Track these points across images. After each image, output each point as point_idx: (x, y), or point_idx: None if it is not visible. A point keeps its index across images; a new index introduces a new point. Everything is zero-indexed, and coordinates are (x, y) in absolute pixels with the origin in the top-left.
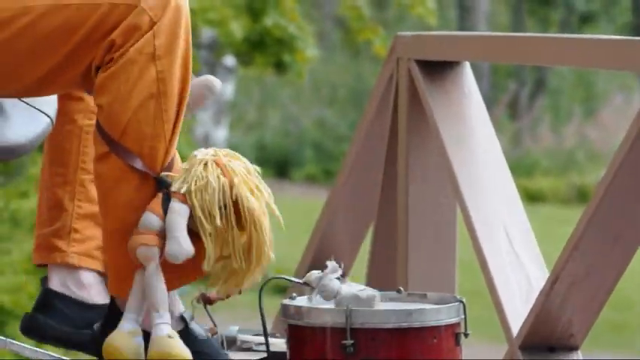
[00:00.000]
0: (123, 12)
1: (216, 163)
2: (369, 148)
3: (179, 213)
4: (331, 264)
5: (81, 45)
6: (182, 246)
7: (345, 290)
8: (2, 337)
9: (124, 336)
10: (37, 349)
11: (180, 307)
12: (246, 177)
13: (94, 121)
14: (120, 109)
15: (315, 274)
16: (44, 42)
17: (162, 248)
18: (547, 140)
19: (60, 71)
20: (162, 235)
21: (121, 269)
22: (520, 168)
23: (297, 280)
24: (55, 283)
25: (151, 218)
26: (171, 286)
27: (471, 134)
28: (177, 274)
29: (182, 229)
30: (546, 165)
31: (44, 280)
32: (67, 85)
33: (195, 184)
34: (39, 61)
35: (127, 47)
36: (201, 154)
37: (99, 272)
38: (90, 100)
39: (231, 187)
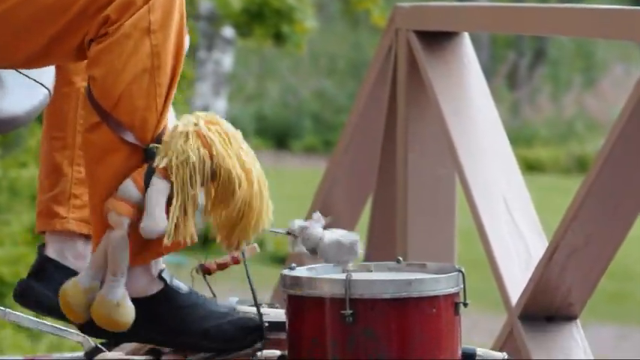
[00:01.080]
0: None
1: (197, 134)
2: (368, 119)
3: (158, 189)
4: (316, 214)
5: (76, 19)
6: (157, 223)
7: (328, 236)
8: (1, 308)
9: (80, 291)
10: (37, 319)
11: (160, 267)
12: (228, 144)
13: None
14: (113, 82)
15: (298, 222)
16: (39, 15)
17: (135, 220)
18: (546, 110)
19: (55, 44)
20: (138, 206)
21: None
22: (519, 138)
23: (280, 230)
24: (52, 251)
25: (131, 188)
26: (141, 260)
27: (470, 104)
28: (141, 249)
29: (159, 204)
30: (545, 135)
31: (41, 248)
32: (62, 58)
33: (177, 159)
34: (35, 33)
35: (122, 22)
36: (182, 124)
37: None
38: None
39: (212, 157)
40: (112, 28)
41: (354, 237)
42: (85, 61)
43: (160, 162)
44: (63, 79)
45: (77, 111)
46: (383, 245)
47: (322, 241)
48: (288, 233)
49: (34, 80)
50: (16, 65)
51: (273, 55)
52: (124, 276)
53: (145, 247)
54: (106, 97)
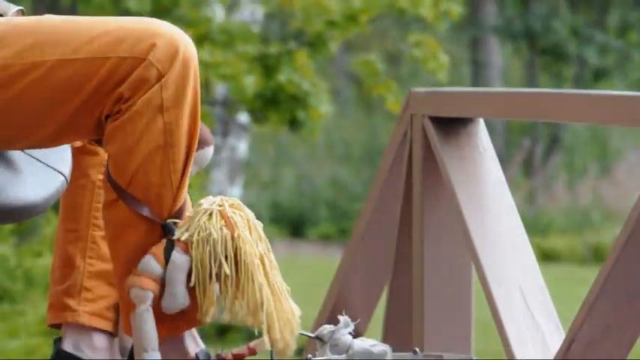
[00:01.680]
0: (131, 65)
1: (220, 215)
2: (383, 206)
3: (179, 265)
4: (343, 319)
5: (91, 97)
6: (178, 299)
7: (358, 345)
8: None
9: None
10: None
11: (197, 346)
12: (250, 231)
13: None
14: (127, 159)
15: (327, 328)
16: (53, 96)
17: (157, 294)
18: (562, 198)
19: (71, 124)
20: (160, 280)
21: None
22: (535, 226)
23: (309, 333)
24: (68, 345)
25: (152, 263)
26: (167, 333)
27: (486, 192)
28: (172, 321)
29: (180, 282)
30: (561, 224)
31: (57, 342)
32: (81, 136)
33: (198, 235)
34: (51, 113)
35: (135, 99)
36: (207, 202)
37: (110, 334)
38: (104, 154)
39: (233, 240)
40: (126, 106)
41: (384, 347)
42: (99, 157)
43: (181, 235)
44: (79, 172)
45: (92, 204)
46: (399, 335)
47: (352, 349)
48: (317, 338)
49: (51, 167)
50: (35, 145)
51: (288, 141)
52: (156, 350)
53: (169, 320)
54: (121, 173)
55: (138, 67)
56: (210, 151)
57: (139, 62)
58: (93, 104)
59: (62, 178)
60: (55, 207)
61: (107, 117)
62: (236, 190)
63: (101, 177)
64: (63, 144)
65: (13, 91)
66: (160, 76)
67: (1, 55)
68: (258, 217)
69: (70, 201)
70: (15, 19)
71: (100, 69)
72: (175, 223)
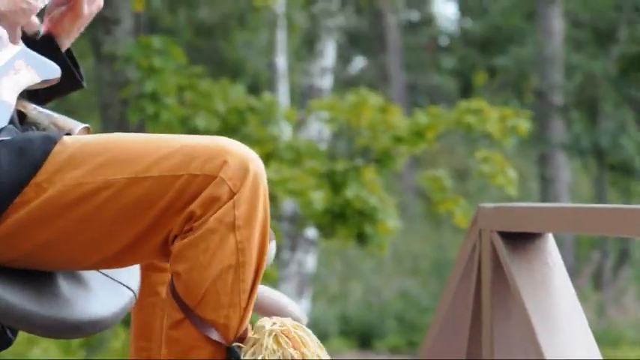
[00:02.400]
0: (202, 183)
1: (285, 335)
2: (453, 319)
3: None
4: None
5: (161, 216)
6: None
7: None
8: None
9: None
10: None
11: None
12: (314, 348)
13: None
14: (198, 278)
15: None
16: (125, 214)
17: None
18: (632, 311)
19: (140, 242)
20: None
21: None
22: (605, 339)
23: None
24: None
25: None
26: None
27: (556, 306)
28: None
29: None
30: (632, 336)
31: None
32: (147, 256)
33: (268, 357)
34: (120, 232)
35: (207, 217)
36: (268, 324)
37: None
38: None
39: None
40: (197, 224)
41: None
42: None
43: (249, 358)
44: (149, 290)
45: (163, 322)
46: None
47: None
48: None
49: (120, 282)
50: (100, 265)
51: (356, 255)
52: None
53: None
54: (191, 293)
55: (209, 184)
56: (273, 245)
57: (210, 180)
58: (163, 222)
59: (131, 294)
60: (124, 320)
61: (175, 237)
62: (304, 304)
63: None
64: (129, 264)
65: (85, 210)
66: (232, 194)
67: (73, 175)
68: (326, 330)
69: (141, 319)
70: (83, 138)
71: (171, 187)
72: (239, 346)
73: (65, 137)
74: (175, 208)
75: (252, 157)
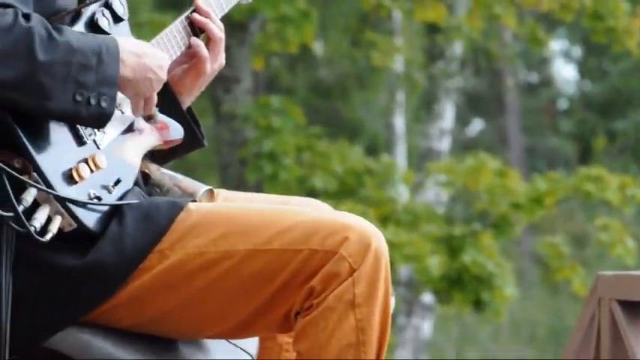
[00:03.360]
0: (323, 258)
1: None
2: None
3: None
4: None
5: (281, 290)
6: None
7: None
8: None
9: None
10: None
11: None
12: None
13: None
14: (317, 357)
15: None
16: (246, 286)
17: None
18: None
19: (260, 315)
20: None
21: None
22: None
23: None
24: None
25: None
26: None
27: None
28: None
29: None
30: None
31: None
32: (266, 329)
33: None
34: (241, 304)
35: (327, 294)
36: None
37: None
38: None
39: None
40: (317, 301)
41: None
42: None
43: None
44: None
45: None
46: None
47: None
48: None
49: (239, 347)
50: (219, 336)
51: (473, 321)
52: None
53: None
54: None
55: (329, 260)
56: (392, 301)
57: (330, 256)
58: (283, 297)
59: (248, 357)
60: None
61: (297, 314)
62: None
63: (287, 340)
64: (247, 337)
65: (206, 279)
66: (352, 271)
67: (195, 244)
68: None
69: None
70: (207, 206)
71: (291, 261)
72: None
73: (190, 204)
74: (295, 283)
75: (373, 232)
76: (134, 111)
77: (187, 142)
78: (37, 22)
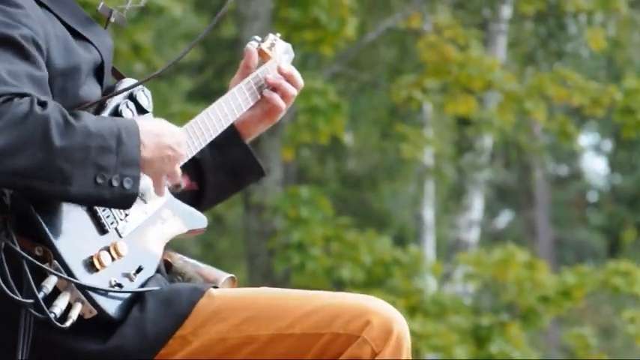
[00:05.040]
0: (345, 342)
1: None
2: None
3: None
4: None
5: None
6: None
7: None
8: None
9: None
10: None
11: None
12: None
13: None
14: None
15: None
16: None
17: None
18: None
19: None
20: None
21: None
22: None
23: None
24: None
25: None
26: None
27: None
28: None
29: None
30: None
31: None
32: None
33: None
34: None
35: None
36: None
37: None
38: None
39: None
40: None
41: None
42: None
43: None
44: None
45: None
46: None
47: None
48: None
49: None
50: None
51: None
52: None
53: None
54: None
55: (352, 344)
56: None
57: (353, 340)
58: None
59: None
60: None
61: None
62: None
63: None
64: None
65: None
66: (374, 355)
67: (218, 329)
68: None
69: None
70: (230, 292)
71: (314, 345)
72: None
73: (212, 289)
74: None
75: (395, 317)
76: (157, 190)
77: (249, 175)
78: (53, 108)
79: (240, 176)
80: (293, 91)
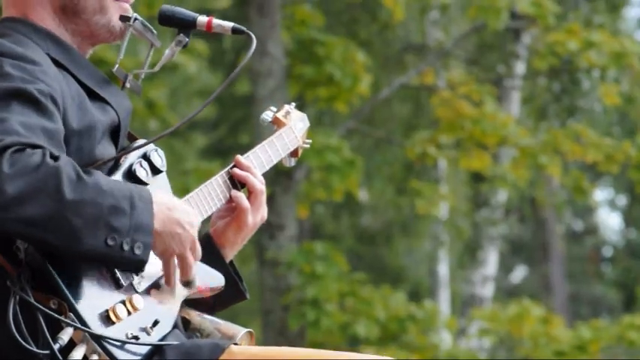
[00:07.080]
0: None
1: None
2: None
3: None
4: None
5: None
6: None
7: None
8: None
9: None
10: None
11: None
12: None
13: None
14: None
15: None
16: None
17: None
18: None
19: None
20: None
21: None
22: None
23: None
24: None
25: None
26: None
27: None
28: None
29: None
30: None
31: None
32: None
33: None
34: None
35: None
36: None
37: None
38: None
39: None
40: None
41: None
42: None
43: None
44: None
45: None
46: None
47: None
48: None
49: None
50: None
51: None
52: None
53: None
54: None
55: None
56: None
57: None
58: None
59: None
60: None
61: None
62: None
63: None
64: None
65: None
66: None
67: None
68: None
69: None
70: (250, 349)
71: None
72: None
73: (233, 346)
74: None
75: None
76: (167, 279)
77: (230, 295)
78: (66, 162)
79: (222, 298)
80: (260, 186)
